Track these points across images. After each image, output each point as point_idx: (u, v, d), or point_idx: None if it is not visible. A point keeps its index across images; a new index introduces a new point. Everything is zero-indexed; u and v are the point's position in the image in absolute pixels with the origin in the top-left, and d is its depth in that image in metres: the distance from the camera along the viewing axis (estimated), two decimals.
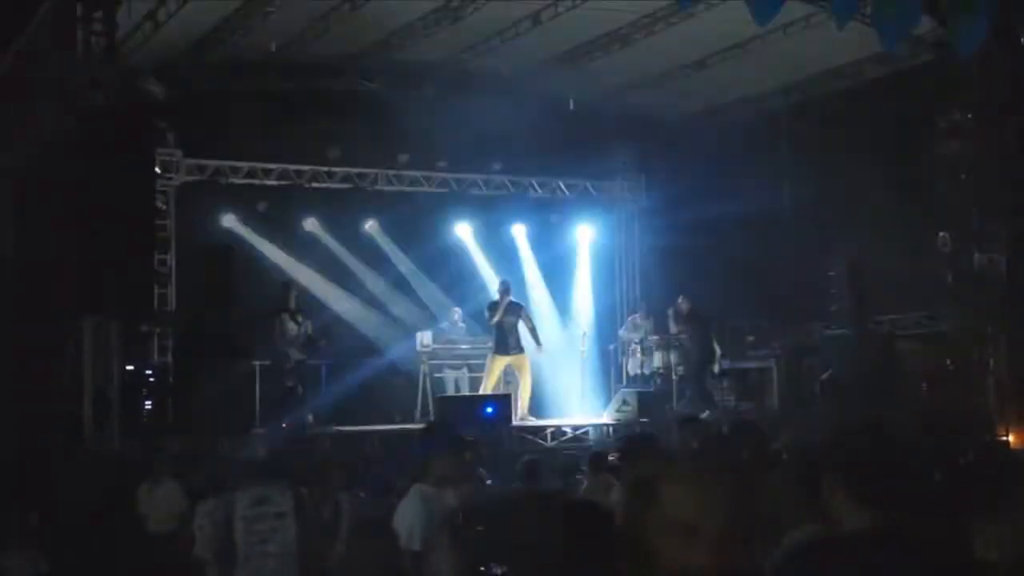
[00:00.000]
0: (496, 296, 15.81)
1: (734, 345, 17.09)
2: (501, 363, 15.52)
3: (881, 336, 15.39)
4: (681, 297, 16.54)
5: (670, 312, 16.73)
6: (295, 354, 14.44)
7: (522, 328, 15.65)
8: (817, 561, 2.65)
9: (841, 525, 2.77)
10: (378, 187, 17.78)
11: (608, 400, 16.80)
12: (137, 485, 9.50)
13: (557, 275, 19.12)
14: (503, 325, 15.40)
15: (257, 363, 14.86)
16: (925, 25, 12.80)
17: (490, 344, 15.68)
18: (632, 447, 6.12)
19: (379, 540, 4.79)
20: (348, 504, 7.99)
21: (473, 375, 16.36)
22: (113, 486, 9.58)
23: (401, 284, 18.29)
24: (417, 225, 18.12)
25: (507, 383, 15.92)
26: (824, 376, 15.00)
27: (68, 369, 11.35)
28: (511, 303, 15.62)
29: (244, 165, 16.85)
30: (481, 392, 15.43)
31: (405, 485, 5.73)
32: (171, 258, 15.27)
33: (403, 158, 17.84)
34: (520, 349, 15.58)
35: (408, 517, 5.13)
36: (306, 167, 17.26)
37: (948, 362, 15.05)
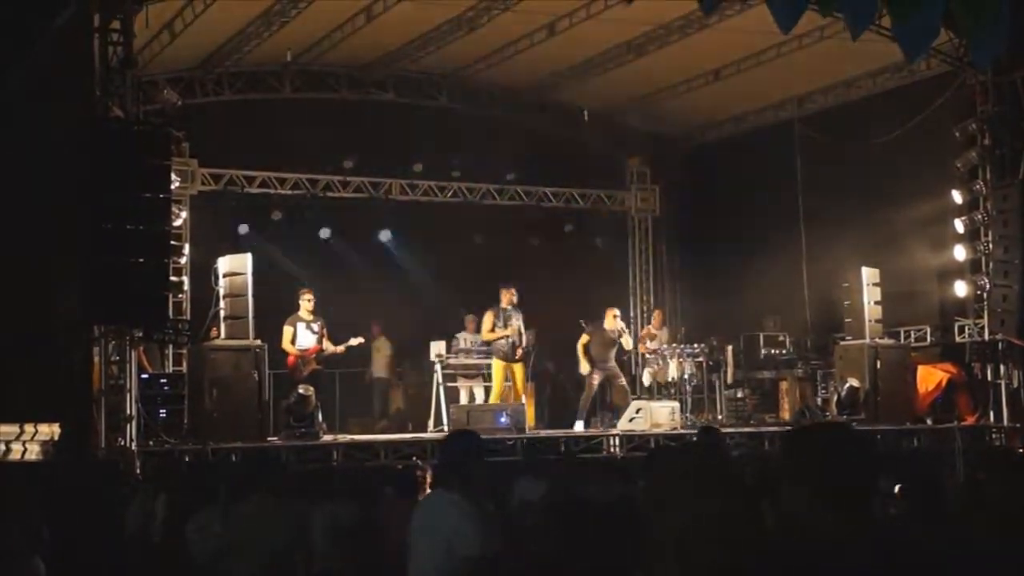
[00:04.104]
0: (502, 304, 15.41)
1: (748, 356, 17.04)
2: (504, 369, 15.25)
3: (896, 349, 15.33)
4: None
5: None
6: (309, 363, 14.43)
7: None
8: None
9: (801, 528, 2.71)
10: (392, 196, 17.83)
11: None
12: (139, 492, 9.47)
13: (571, 286, 19.06)
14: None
15: (271, 372, 14.85)
16: (941, 36, 12.77)
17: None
18: (659, 460, 6.05)
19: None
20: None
21: (488, 384, 16.27)
22: (114, 493, 9.56)
23: (415, 293, 18.28)
24: (431, 234, 18.11)
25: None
26: (839, 388, 14.94)
27: (82, 378, 11.37)
28: (515, 309, 15.41)
29: (259, 175, 16.93)
30: (491, 400, 15.33)
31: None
32: (186, 267, 15.27)
33: (417, 168, 17.89)
34: (518, 357, 15.36)
35: (464, 522, 5.10)
36: (321, 176, 17.33)
37: (963, 375, 14.98)
